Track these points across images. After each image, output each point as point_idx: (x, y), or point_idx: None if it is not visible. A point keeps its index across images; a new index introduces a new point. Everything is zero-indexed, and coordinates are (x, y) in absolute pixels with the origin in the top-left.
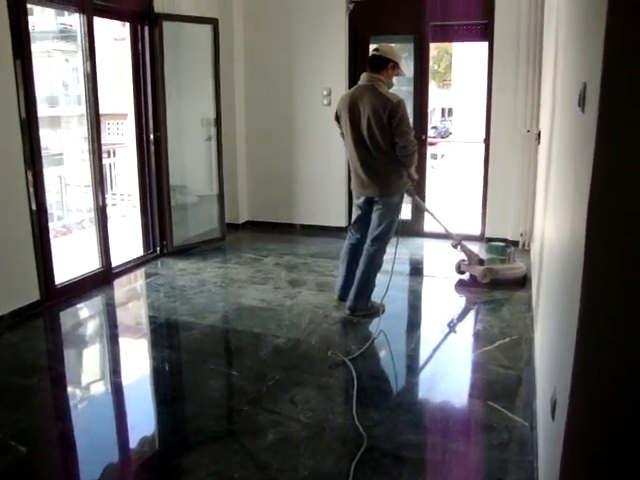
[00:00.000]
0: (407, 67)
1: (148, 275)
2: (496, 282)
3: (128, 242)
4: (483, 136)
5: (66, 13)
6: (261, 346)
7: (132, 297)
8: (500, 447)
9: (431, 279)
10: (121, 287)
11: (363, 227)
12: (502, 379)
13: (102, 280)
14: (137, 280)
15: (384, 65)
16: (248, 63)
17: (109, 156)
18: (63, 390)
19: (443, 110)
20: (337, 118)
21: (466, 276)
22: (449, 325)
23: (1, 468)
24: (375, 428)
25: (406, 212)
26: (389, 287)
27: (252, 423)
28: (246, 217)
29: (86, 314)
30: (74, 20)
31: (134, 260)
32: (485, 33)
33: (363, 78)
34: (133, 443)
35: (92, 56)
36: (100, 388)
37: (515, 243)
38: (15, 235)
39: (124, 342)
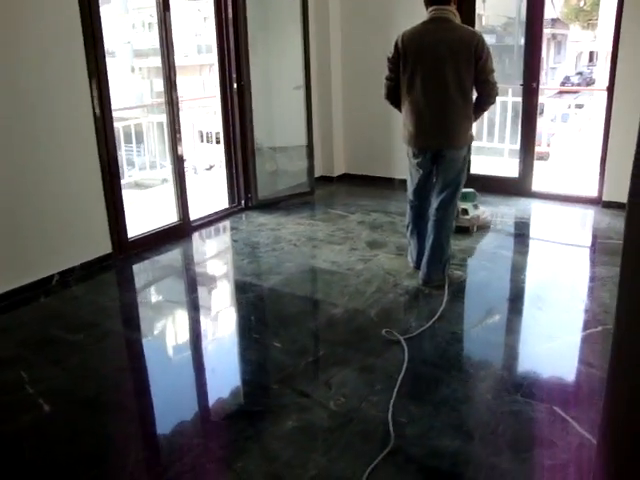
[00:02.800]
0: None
1: (227, 230)
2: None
3: (218, 194)
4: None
5: None
6: (315, 315)
7: (202, 254)
8: (555, 470)
9: (533, 246)
10: (196, 242)
11: (426, 191)
12: (579, 379)
13: (179, 233)
14: (214, 235)
15: None
16: (344, 2)
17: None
18: (104, 349)
19: (591, 54)
20: (396, 58)
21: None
22: (533, 305)
23: (20, 426)
24: (408, 426)
25: (513, 169)
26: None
27: (275, 405)
28: (342, 170)
29: (151, 269)
30: None
31: (218, 212)
32: None
33: (434, 11)
34: (146, 413)
35: (165, 4)
36: (137, 348)
37: None
38: (85, 185)
39: (175, 302)
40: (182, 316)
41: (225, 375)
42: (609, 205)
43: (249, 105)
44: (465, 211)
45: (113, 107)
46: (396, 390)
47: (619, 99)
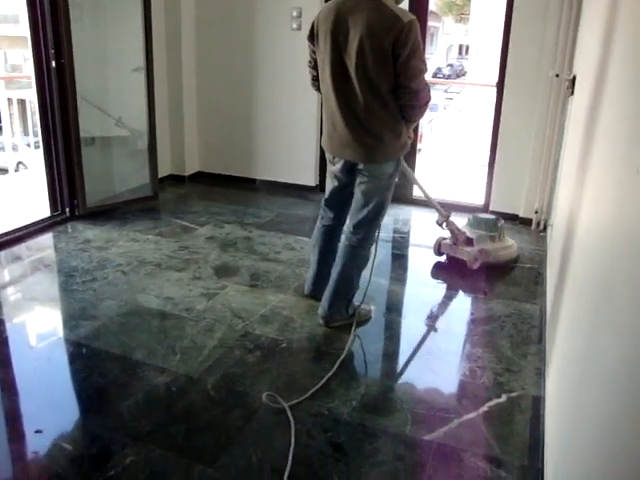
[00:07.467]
0: None
1: (41, 249)
2: (486, 265)
3: (39, 200)
4: (496, 79)
5: None
6: (130, 388)
7: None
8: None
9: (412, 272)
10: None
11: (340, 204)
12: None
13: None
14: (23, 256)
15: None
16: None
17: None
18: None
19: (461, 47)
20: (312, 37)
21: (444, 258)
22: (425, 367)
23: None
24: None
25: None
26: (367, 289)
27: None
28: (196, 168)
29: None
30: None
31: (36, 224)
32: None
33: None
34: None
35: None
36: None
37: (527, 221)
38: None
39: None
40: None
41: None
42: (495, 215)
43: (72, 88)
44: (469, 241)
45: None
46: None
47: (509, 97)
